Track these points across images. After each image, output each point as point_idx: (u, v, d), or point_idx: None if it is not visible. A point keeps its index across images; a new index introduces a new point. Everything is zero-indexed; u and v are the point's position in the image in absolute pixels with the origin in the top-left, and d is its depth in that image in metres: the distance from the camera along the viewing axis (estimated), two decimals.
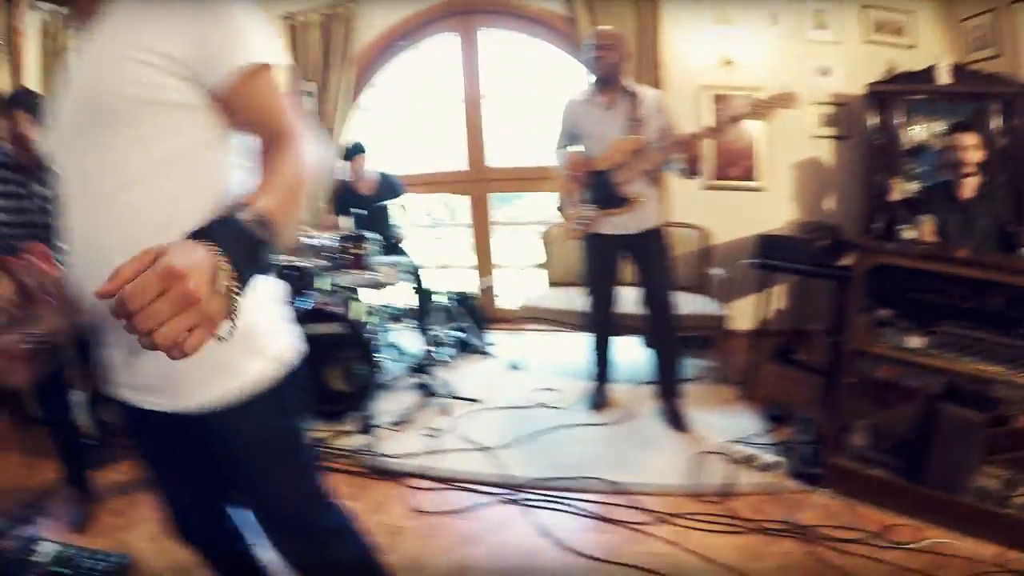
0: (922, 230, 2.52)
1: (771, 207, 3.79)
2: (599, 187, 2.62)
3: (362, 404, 2.75)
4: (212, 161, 0.93)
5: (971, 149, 2.44)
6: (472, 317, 3.88)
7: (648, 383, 3.00)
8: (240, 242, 0.67)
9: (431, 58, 4.48)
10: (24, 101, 2.08)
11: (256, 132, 0.92)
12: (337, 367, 2.76)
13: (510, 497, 2.24)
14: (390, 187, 3.78)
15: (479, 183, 4.36)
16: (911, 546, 1.83)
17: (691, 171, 2.50)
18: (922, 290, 2.06)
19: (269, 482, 1.08)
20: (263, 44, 0.89)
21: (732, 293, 3.55)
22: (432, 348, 3.48)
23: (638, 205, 2.59)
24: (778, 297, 3.37)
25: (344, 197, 3.75)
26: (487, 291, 4.37)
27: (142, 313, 0.55)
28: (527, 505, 2.19)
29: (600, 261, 2.76)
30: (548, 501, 2.20)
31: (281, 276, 1.29)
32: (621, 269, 2.79)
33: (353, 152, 3.69)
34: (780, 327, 3.54)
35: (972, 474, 1.94)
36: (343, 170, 3.76)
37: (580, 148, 2.72)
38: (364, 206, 3.52)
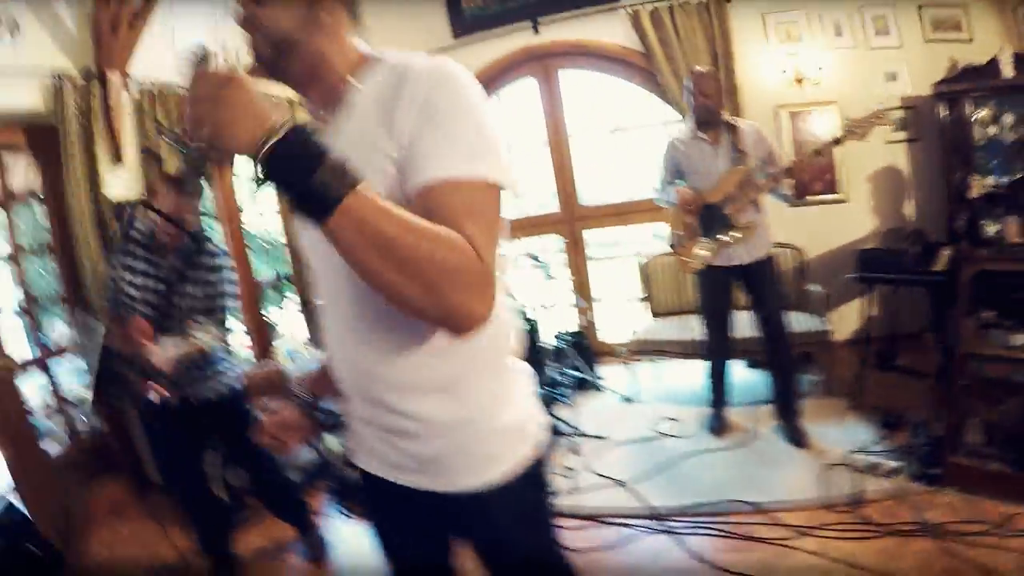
0: (1008, 229, 2.78)
1: (855, 217, 4.11)
2: (712, 220, 2.99)
3: None
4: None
5: None
6: (582, 355, 4.27)
7: (762, 403, 3.38)
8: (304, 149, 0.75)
9: (513, 105, 5.04)
10: (188, 184, 2.25)
11: None
12: None
13: (657, 527, 2.61)
14: None
15: (572, 222, 4.84)
16: None
17: (798, 195, 2.83)
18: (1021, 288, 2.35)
19: (527, 550, 1.15)
20: (478, 157, 0.85)
21: (831, 306, 3.82)
22: (550, 389, 3.87)
23: (751, 235, 2.95)
24: (873, 304, 3.67)
25: None
26: (589, 327, 4.80)
27: None
28: (674, 533, 2.56)
29: (716, 292, 3.14)
30: (694, 527, 2.57)
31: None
32: (735, 297, 3.16)
33: None
34: (878, 333, 3.78)
35: None
36: None
37: (683, 184, 3.08)
38: None
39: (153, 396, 2.24)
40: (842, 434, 3.05)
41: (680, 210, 3.07)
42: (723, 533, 2.51)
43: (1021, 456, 2.33)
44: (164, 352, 2.20)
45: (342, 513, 3.08)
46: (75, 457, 3.39)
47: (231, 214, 4.56)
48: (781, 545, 2.37)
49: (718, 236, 3.00)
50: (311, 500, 3.06)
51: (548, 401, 3.76)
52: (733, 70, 4.08)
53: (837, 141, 2.72)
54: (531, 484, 1.09)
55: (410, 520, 1.15)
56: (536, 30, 4.49)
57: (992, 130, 3.62)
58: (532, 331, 3.99)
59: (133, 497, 3.42)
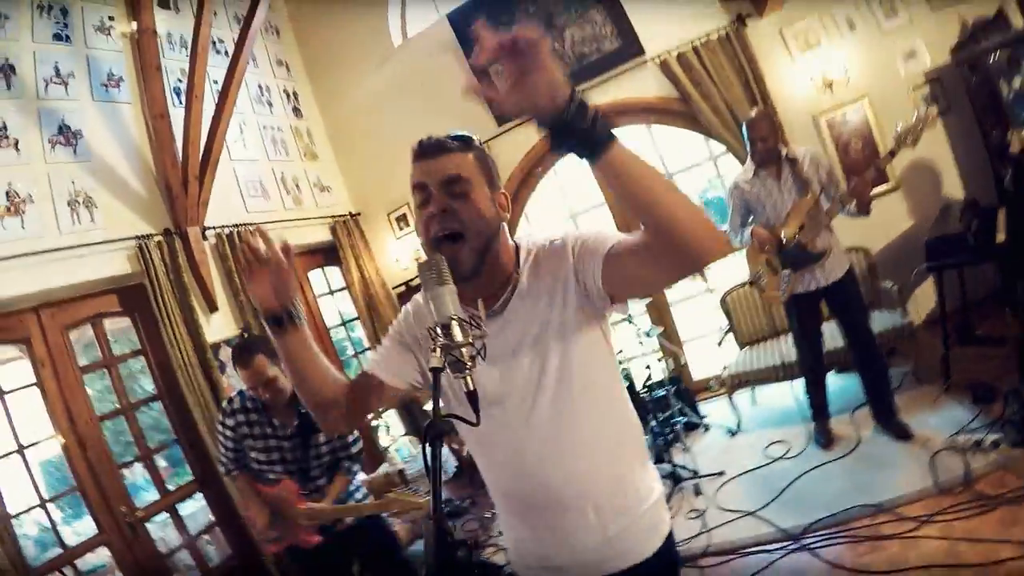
0: None
1: (910, 202, 4.47)
2: (790, 252, 3.36)
3: None
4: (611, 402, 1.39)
5: None
6: (682, 397, 4.60)
7: (859, 408, 3.69)
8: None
9: (571, 174, 5.57)
10: (258, 346, 2.57)
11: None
12: None
13: (794, 547, 2.88)
14: None
15: None
16: None
17: (864, 211, 3.18)
18: None
19: None
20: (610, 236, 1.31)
21: (905, 297, 4.11)
22: (663, 436, 4.18)
23: (828, 258, 3.31)
24: (944, 284, 3.96)
25: None
26: (683, 369, 5.15)
27: None
28: (810, 549, 2.83)
29: (804, 316, 3.49)
30: (826, 539, 2.84)
31: None
32: (822, 316, 3.54)
33: None
34: (953, 308, 4.01)
35: None
36: None
37: (752, 223, 3.50)
38: None
39: (309, 543, 2.64)
40: (940, 419, 3.31)
41: (757, 248, 3.47)
42: (853, 539, 2.78)
43: None
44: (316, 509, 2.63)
45: None
46: None
47: (319, 331, 5.13)
48: (908, 537, 2.64)
49: (798, 267, 3.36)
50: None
51: (663, 449, 4.07)
52: (767, 92, 4.52)
53: (892, 154, 3.12)
54: (673, 546, 1.43)
55: None
56: None
57: (1017, 81, 3.87)
58: (631, 386, 4.33)
59: None
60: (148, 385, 4.25)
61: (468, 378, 1.05)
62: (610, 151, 1.02)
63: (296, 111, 5.56)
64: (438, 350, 1.03)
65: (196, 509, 4.30)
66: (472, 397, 1.05)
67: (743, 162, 4.24)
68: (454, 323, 1.05)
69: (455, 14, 5.14)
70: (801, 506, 3.14)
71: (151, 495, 3.98)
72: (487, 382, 1.26)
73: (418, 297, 1.42)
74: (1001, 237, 3.24)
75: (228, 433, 2.70)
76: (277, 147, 5.17)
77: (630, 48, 4.87)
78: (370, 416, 4.90)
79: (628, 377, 4.35)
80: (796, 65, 4.59)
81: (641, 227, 1.13)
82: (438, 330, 1.05)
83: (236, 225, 4.43)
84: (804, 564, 2.78)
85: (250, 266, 1.36)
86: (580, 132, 1.01)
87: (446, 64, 5.32)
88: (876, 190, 4.24)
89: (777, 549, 2.94)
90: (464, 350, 1.03)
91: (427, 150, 1.28)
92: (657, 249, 1.12)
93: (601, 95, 4.97)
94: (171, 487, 4.04)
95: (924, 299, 4.25)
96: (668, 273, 1.19)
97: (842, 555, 2.73)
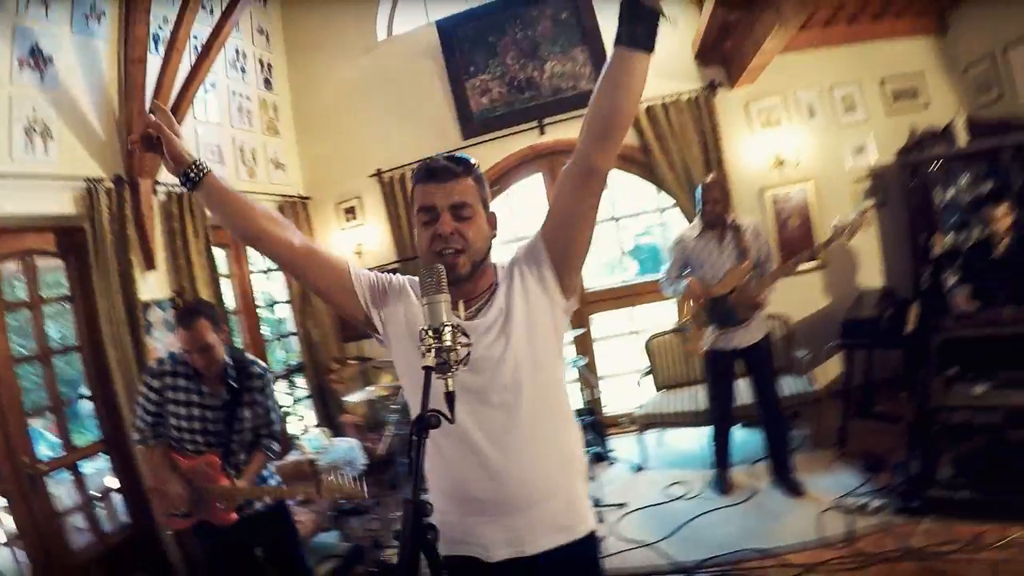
0: (960, 298, 3.52)
1: (833, 280, 4.93)
2: (718, 310, 3.64)
3: None
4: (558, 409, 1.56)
5: (1002, 218, 3.47)
6: (594, 428, 4.82)
7: (758, 460, 3.99)
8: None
9: (523, 199, 5.79)
10: (203, 310, 2.58)
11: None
12: None
13: None
14: None
15: (581, 307, 5.46)
16: (998, 545, 2.73)
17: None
18: (982, 347, 3.04)
19: None
20: None
21: (814, 365, 4.51)
22: None
23: (750, 323, 3.61)
24: (852, 360, 4.35)
25: None
26: (596, 403, 5.37)
27: None
28: None
29: (720, 371, 3.78)
30: (717, 575, 3.10)
31: None
32: (736, 372, 3.82)
33: None
34: (856, 384, 4.40)
35: None
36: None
37: (687, 275, 3.75)
38: None
39: (227, 521, 2.61)
40: (831, 481, 3.64)
41: (689, 300, 3.73)
42: None
43: (985, 483, 2.96)
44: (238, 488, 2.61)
45: None
46: (100, 554, 3.61)
47: (248, 309, 5.05)
48: None
49: (722, 325, 3.65)
50: None
51: None
52: (723, 158, 4.90)
53: (827, 243, 3.46)
54: (594, 543, 1.59)
55: None
56: (543, 131, 5.28)
57: (950, 192, 4.44)
58: None
59: None
60: (68, 334, 4.04)
61: (449, 379, 1.16)
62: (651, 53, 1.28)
63: (267, 83, 5.51)
64: (432, 351, 1.15)
65: (94, 472, 4.10)
66: (450, 397, 1.16)
67: (689, 219, 4.60)
68: (446, 329, 1.16)
69: (446, 22, 5.26)
70: (695, 544, 3.37)
71: (52, 451, 3.83)
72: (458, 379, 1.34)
73: (402, 280, 1.60)
74: (910, 328, 3.62)
75: (152, 396, 2.60)
76: (242, 115, 5.10)
77: None
78: (283, 407, 4.89)
79: None
80: (754, 139, 5.00)
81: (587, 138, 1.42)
82: (431, 332, 1.16)
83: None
84: None
85: (147, 144, 1.50)
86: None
87: (425, 69, 5.45)
88: (804, 266, 4.63)
89: None
90: (453, 354, 1.15)
91: (436, 175, 1.45)
92: (598, 143, 1.41)
93: (569, 131, 5.20)
94: (77, 444, 3.88)
95: (831, 371, 4.64)
96: (593, 183, 1.45)
97: None
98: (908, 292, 4.44)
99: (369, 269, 1.62)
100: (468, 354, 1.23)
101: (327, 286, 1.55)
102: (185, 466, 2.58)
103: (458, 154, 1.52)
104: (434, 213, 1.43)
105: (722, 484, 3.88)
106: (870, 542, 3.03)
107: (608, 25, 5.01)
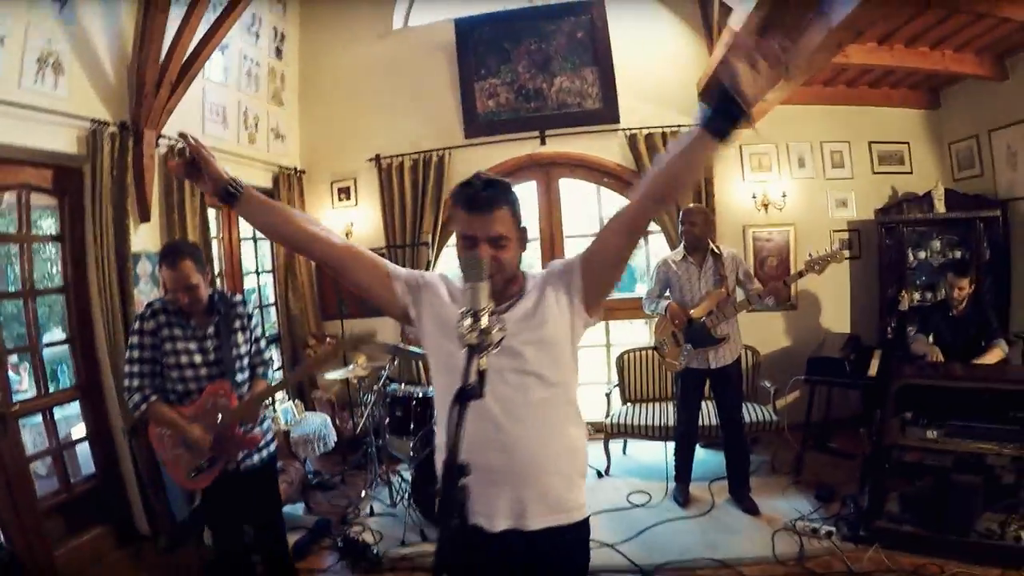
0: (917, 347, 3.84)
1: (803, 322, 5.25)
2: (694, 331, 3.85)
3: None
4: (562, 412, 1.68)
5: (964, 288, 3.81)
6: None
7: (715, 480, 4.21)
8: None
9: None
10: (187, 250, 2.58)
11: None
12: None
13: None
14: None
15: None
16: None
17: (784, 302, 3.78)
18: (935, 396, 3.30)
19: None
20: None
21: (778, 397, 4.73)
22: None
23: (724, 345, 3.82)
24: (813, 397, 4.69)
25: None
26: None
27: None
28: None
29: (690, 389, 3.99)
30: None
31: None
32: (704, 392, 4.03)
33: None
34: (815, 419, 4.76)
35: (977, 520, 3.15)
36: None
37: (667, 297, 3.97)
38: None
39: (255, 442, 2.67)
40: (785, 505, 3.89)
41: (668, 320, 3.93)
42: None
43: (929, 520, 3.24)
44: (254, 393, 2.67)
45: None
46: (64, 502, 3.57)
47: (234, 273, 5.02)
48: None
49: (697, 346, 3.86)
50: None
51: None
52: (713, 193, 5.17)
53: (800, 274, 3.70)
54: (586, 531, 1.71)
55: (504, 559, 1.63)
56: (543, 142, 5.44)
57: (922, 254, 4.85)
58: None
59: (118, 546, 3.67)
60: (55, 275, 3.96)
61: (484, 359, 1.26)
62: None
63: (278, 52, 5.49)
64: (474, 331, 1.26)
65: (61, 418, 4.02)
66: (482, 375, 1.26)
67: (672, 245, 4.84)
68: (484, 313, 1.28)
69: (464, 22, 5.39)
70: (654, 549, 3.54)
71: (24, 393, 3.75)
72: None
73: (435, 276, 1.76)
74: (872, 372, 3.91)
75: (146, 340, 2.56)
76: (250, 80, 5.08)
77: (608, 113, 5.35)
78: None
79: None
80: (744, 180, 5.31)
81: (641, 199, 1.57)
82: (471, 314, 1.28)
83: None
84: None
85: (188, 169, 1.58)
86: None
87: (436, 64, 5.55)
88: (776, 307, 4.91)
89: None
90: (488, 336, 1.27)
91: (477, 206, 1.60)
92: (654, 204, 1.60)
93: (568, 145, 5.42)
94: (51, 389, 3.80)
95: (793, 405, 4.92)
96: (639, 233, 1.66)
97: None
98: (871, 340, 4.79)
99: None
100: (502, 338, 1.31)
101: (368, 284, 1.68)
102: (194, 409, 2.58)
103: (493, 177, 1.67)
104: (474, 241, 1.58)
105: (681, 497, 4.09)
106: (819, 563, 3.26)
107: (620, 47, 5.23)
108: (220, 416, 2.56)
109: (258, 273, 5.55)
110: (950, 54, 4.32)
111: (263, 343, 2.89)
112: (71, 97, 3.53)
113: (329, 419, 4.72)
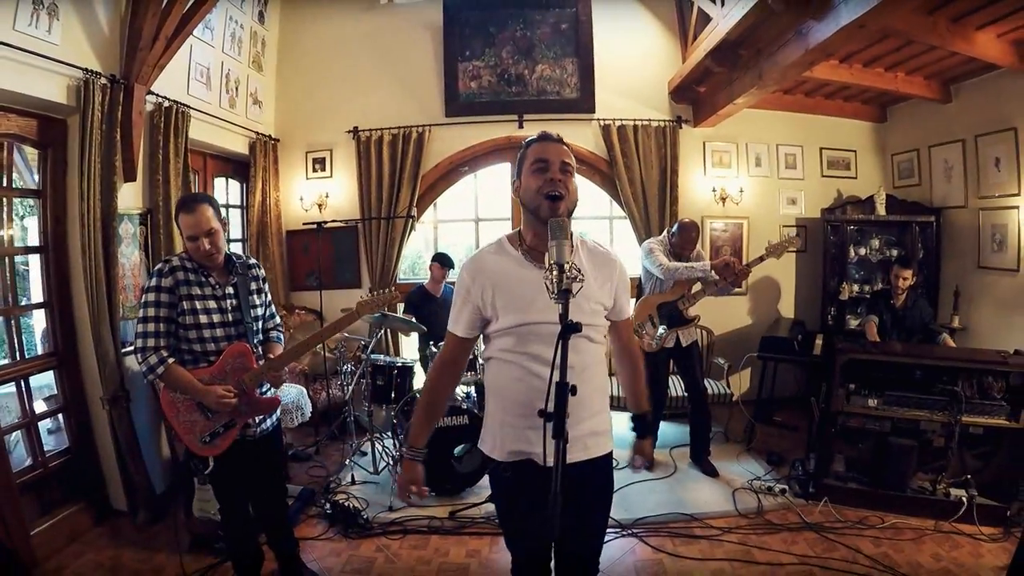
0: (868, 329, 4.36)
1: (753, 307, 5.79)
2: (667, 313, 4.23)
3: (477, 480, 4.04)
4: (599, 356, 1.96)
5: (907, 279, 4.34)
6: None
7: (675, 447, 4.65)
8: None
9: (486, 185, 6.05)
10: (206, 198, 2.57)
11: (619, 342, 2.13)
12: (458, 451, 4.01)
13: (626, 533, 3.61)
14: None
15: None
16: (878, 527, 3.53)
17: (737, 286, 4.17)
18: (875, 370, 3.78)
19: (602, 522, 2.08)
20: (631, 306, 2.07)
21: (731, 374, 5.22)
22: None
23: (691, 326, 4.23)
24: (761, 375, 5.23)
25: (418, 297, 5.04)
26: None
27: None
28: (639, 536, 3.58)
29: (660, 363, 4.37)
30: (649, 532, 3.61)
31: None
32: (670, 368, 4.46)
33: (445, 264, 5.00)
34: (763, 396, 5.31)
35: (911, 478, 3.70)
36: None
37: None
38: (435, 307, 4.89)
39: (269, 408, 2.73)
40: (741, 469, 4.37)
41: (646, 305, 4.30)
42: (672, 534, 3.60)
43: (870, 478, 3.78)
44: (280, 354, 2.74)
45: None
46: (37, 478, 3.47)
47: None
48: (715, 539, 3.51)
49: (671, 327, 4.26)
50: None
51: None
52: (677, 184, 5.57)
53: (760, 259, 4.12)
54: (612, 461, 2.03)
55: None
56: (521, 125, 5.65)
57: (862, 251, 5.45)
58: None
59: (93, 522, 3.63)
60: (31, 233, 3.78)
61: (566, 303, 1.51)
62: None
63: (261, 16, 5.41)
64: (564, 279, 1.54)
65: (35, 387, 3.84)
66: (564, 318, 1.52)
67: (638, 232, 5.26)
68: (567, 266, 1.57)
69: (453, 3, 5.53)
70: (629, 506, 3.89)
71: None
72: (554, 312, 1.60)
73: (474, 261, 1.96)
74: (817, 352, 4.43)
75: (163, 298, 2.46)
76: (234, 43, 5.01)
77: (584, 103, 5.64)
78: None
79: None
80: (706, 174, 5.77)
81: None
82: (556, 267, 1.56)
83: (175, 102, 4.24)
84: (633, 546, 3.51)
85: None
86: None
87: (421, 41, 5.65)
88: (736, 291, 5.37)
89: (610, 533, 3.59)
90: (573, 285, 1.56)
91: (551, 139, 1.94)
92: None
93: (546, 130, 5.60)
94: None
95: (744, 381, 5.43)
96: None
97: (663, 544, 3.51)
98: (814, 325, 5.36)
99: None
100: (582, 286, 1.60)
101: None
102: (212, 371, 2.54)
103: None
104: (547, 164, 1.85)
105: (648, 461, 4.45)
106: (776, 516, 3.73)
107: (601, 41, 5.53)
108: (245, 378, 2.58)
109: (229, 241, 5.45)
110: (902, 76, 4.90)
111: (273, 307, 2.93)
112: (63, 45, 3.42)
113: (305, 390, 4.78)
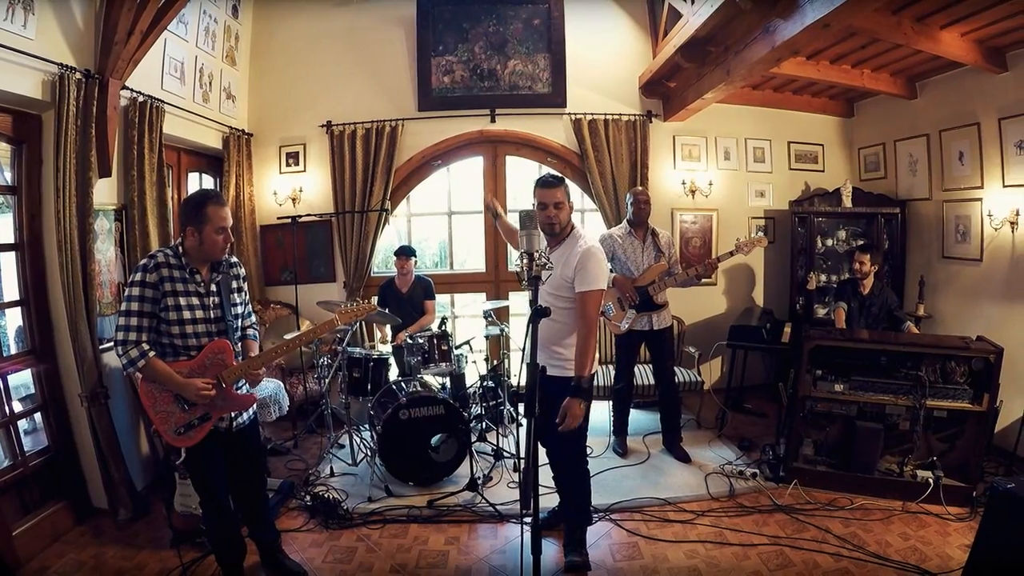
0: (836, 317, 4.52)
1: (722, 297, 5.95)
2: (640, 298, 4.33)
3: (454, 469, 4.13)
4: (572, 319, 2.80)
5: (868, 264, 4.50)
6: (504, 392, 5.23)
7: (648, 435, 4.78)
8: None
9: (458, 178, 6.14)
10: (215, 196, 2.63)
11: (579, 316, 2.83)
12: (435, 441, 4.07)
13: (601, 517, 3.72)
14: (424, 287, 5.20)
15: (499, 283, 6.06)
16: (847, 508, 3.70)
17: (707, 277, 4.32)
18: (842, 356, 3.94)
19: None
20: (599, 279, 2.81)
21: (701, 363, 5.36)
22: (489, 422, 4.87)
23: (662, 311, 4.35)
24: (730, 363, 5.38)
25: (386, 291, 5.13)
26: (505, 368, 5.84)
27: None
28: (614, 521, 3.71)
29: (630, 350, 4.49)
30: (625, 516, 3.74)
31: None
32: (639, 354, 4.54)
33: (402, 252, 5.07)
34: (733, 384, 5.48)
35: (878, 460, 3.86)
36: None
37: (611, 270, 4.38)
38: (401, 302, 4.95)
39: (245, 404, 2.79)
40: (712, 454, 4.52)
41: (615, 289, 4.39)
42: (646, 518, 3.72)
43: (839, 461, 3.95)
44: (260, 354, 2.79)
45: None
46: (19, 478, 3.46)
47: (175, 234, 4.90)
48: (688, 523, 3.64)
49: (640, 311, 4.37)
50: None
51: (485, 431, 4.82)
52: (647, 176, 5.69)
53: (731, 254, 4.27)
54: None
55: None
56: (493, 119, 5.73)
57: (829, 242, 5.64)
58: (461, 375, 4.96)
59: (75, 521, 3.63)
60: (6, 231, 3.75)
61: (536, 289, 2.06)
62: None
63: (235, 9, 5.40)
64: (533, 267, 2.03)
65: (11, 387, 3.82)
66: (534, 303, 2.06)
67: (608, 224, 5.37)
68: (536, 255, 2.01)
69: None
70: (605, 491, 3.99)
71: None
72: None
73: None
74: (785, 340, 4.59)
75: (148, 293, 2.50)
76: (207, 37, 5.00)
77: (556, 98, 5.73)
78: None
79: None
80: (676, 167, 5.91)
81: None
82: (527, 256, 2.03)
83: (150, 97, 4.24)
84: (608, 530, 3.63)
85: None
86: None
87: (394, 36, 5.69)
88: (706, 281, 5.51)
89: None
90: (542, 273, 2.08)
91: (549, 185, 2.93)
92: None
93: (516, 124, 5.76)
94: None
95: (715, 369, 5.59)
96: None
97: (638, 527, 3.63)
98: (783, 314, 5.55)
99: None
100: (551, 275, 2.41)
101: None
102: (192, 365, 2.60)
103: (556, 174, 3.02)
104: (545, 205, 2.88)
105: (621, 448, 4.62)
106: (748, 499, 3.88)
107: (573, 37, 5.63)
108: (223, 374, 2.64)
109: None
110: (868, 73, 5.07)
111: (250, 306, 3.00)
112: (39, 39, 3.41)
113: (282, 384, 4.81)
